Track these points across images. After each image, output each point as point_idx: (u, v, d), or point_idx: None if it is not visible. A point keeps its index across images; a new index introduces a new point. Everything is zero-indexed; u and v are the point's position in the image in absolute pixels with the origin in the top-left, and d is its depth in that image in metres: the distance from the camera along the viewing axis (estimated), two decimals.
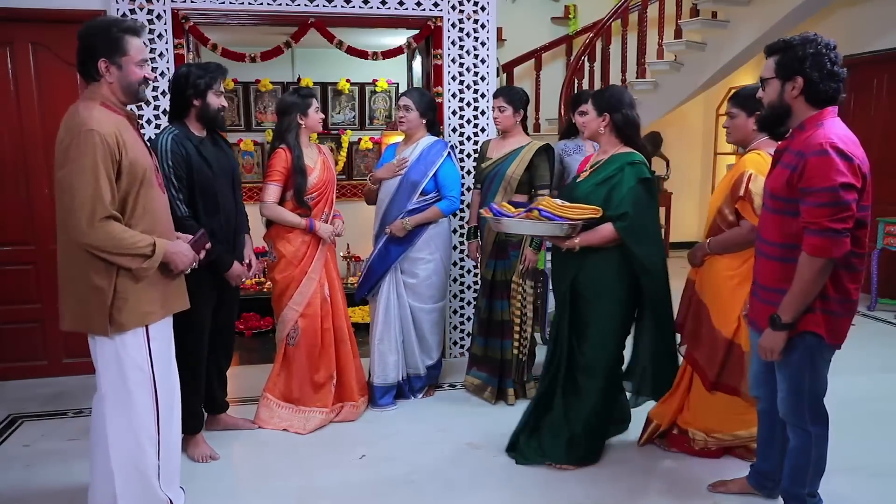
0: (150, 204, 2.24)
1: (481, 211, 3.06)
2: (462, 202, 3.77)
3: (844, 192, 2.02)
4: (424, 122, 3.51)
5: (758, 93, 2.28)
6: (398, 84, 5.59)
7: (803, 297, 2.10)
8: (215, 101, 2.87)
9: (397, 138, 4.27)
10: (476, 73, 4.12)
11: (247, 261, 3.07)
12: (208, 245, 2.46)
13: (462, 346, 4.30)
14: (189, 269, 2.36)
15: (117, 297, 2.15)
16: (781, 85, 2.15)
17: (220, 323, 3.05)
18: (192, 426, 2.95)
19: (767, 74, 2.19)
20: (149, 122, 3.73)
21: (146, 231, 2.20)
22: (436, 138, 3.57)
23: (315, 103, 3.29)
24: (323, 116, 3.37)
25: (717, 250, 2.73)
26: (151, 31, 3.68)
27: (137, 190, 2.18)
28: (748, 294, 2.47)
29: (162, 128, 3.17)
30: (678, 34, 5.95)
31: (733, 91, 2.82)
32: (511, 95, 3.47)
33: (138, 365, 2.22)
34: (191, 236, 2.41)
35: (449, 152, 3.51)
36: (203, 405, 3.13)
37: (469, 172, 4.08)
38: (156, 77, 3.68)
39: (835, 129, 2.09)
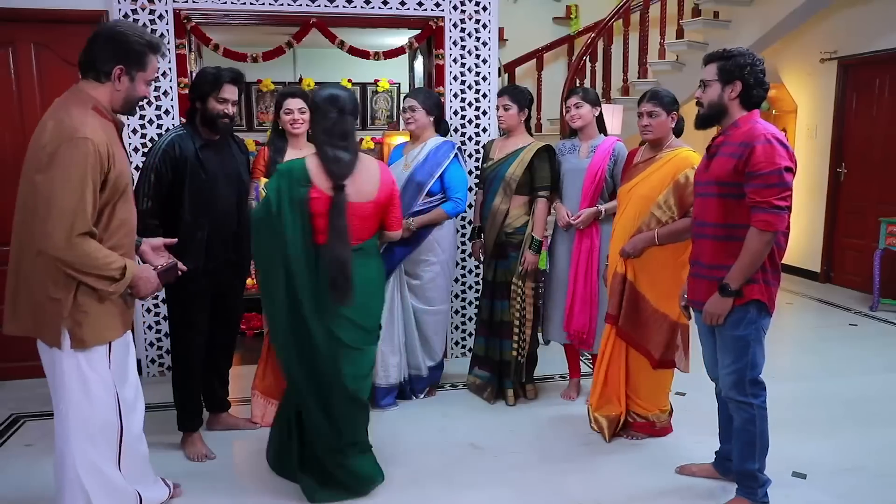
0: (124, 216, 2.16)
1: None
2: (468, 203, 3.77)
3: (787, 174, 2.31)
4: (432, 119, 3.50)
5: (696, 93, 2.55)
6: (400, 84, 5.59)
7: (751, 266, 2.36)
8: (216, 106, 2.85)
9: (399, 138, 4.27)
10: (478, 74, 4.12)
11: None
12: (179, 275, 2.38)
13: (464, 346, 4.31)
14: (150, 297, 2.29)
15: (77, 311, 2.06)
16: (722, 87, 2.44)
17: (221, 323, 3.05)
18: (189, 425, 2.98)
19: (709, 77, 2.47)
20: (151, 122, 3.74)
21: (116, 244, 2.11)
22: (443, 139, 3.56)
23: (286, 105, 3.24)
24: (294, 119, 3.25)
25: (667, 241, 2.94)
26: (153, 32, 3.68)
27: (115, 202, 2.10)
28: (685, 281, 2.68)
29: (172, 127, 3.20)
30: (680, 34, 5.95)
31: (650, 91, 3.05)
32: (516, 94, 3.46)
33: (102, 379, 2.14)
34: (160, 265, 2.32)
35: (456, 153, 3.50)
36: (205, 404, 3.15)
37: (471, 173, 4.08)
38: (157, 77, 3.70)
39: (770, 126, 2.40)
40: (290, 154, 3.27)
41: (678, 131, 3.05)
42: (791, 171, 2.32)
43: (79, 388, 2.11)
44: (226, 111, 2.87)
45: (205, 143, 2.89)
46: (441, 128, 3.58)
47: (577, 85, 5.55)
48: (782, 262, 2.49)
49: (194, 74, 3.13)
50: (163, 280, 2.29)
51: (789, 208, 2.34)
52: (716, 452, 2.81)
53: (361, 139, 5.53)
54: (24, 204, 2.05)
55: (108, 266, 2.05)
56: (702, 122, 2.55)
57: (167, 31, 3.70)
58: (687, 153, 2.95)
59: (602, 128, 3.51)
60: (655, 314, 3.00)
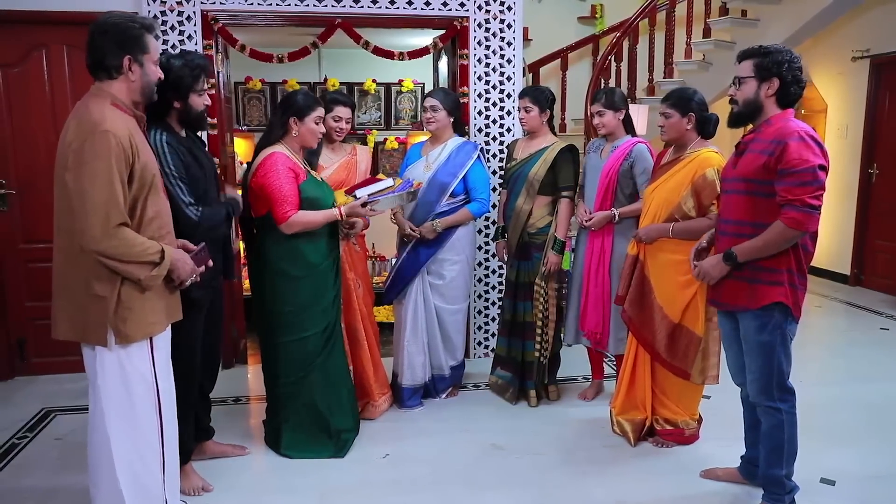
0: (157, 209, 2.14)
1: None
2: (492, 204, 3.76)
3: (821, 172, 2.26)
4: (452, 120, 3.50)
5: (730, 90, 2.49)
6: (424, 84, 5.60)
7: (762, 251, 2.33)
8: (198, 101, 2.59)
9: (422, 138, 4.28)
10: (502, 74, 4.11)
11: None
12: (210, 262, 2.34)
13: (486, 346, 4.30)
14: (189, 282, 2.24)
15: (121, 307, 2.05)
16: (759, 84, 2.38)
17: (204, 346, 2.75)
18: (182, 456, 2.53)
19: (745, 74, 2.41)
20: None
21: (153, 238, 2.10)
22: (464, 139, 3.56)
23: (336, 111, 3.27)
24: (342, 127, 3.33)
25: (680, 236, 2.91)
26: (181, 33, 3.74)
27: (146, 195, 2.09)
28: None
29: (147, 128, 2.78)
30: (707, 33, 5.88)
31: (668, 93, 3.03)
32: (537, 95, 3.44)
33: (143, 376, 2.13)
34: (192, 250, 2.28)
35: (479, 155, 3.50)
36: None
37: (494, 173, 4.07)
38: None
39: (803, 124, 2.35)
40: (325, 154, 3.31)
41: (706, 132, 2.98)
42: (825, 169, 2.27)
43: (119, 385, 2.10)
44: (206, 103, 2.65)
45: (188, 139, 2.63)
46: (459, 129, 3.58)
47: (602, 86, 5.51)
48: (810, 264, 2.44)
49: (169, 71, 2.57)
50: (197, 263, 2.26)
51: (820, 208, 2.29)
52: (741, 457, 2.78)
53: (386, 139, 5.56)
54: (59, 207, 2.06)
55: (146, 252, 2.04)
56: (735, 121, 2.51)
57: (195, 32, 3.75)
58: (707, 154, 2.90)
59: (629, 128, 3.44)
60: (656, 305, 2.97)
